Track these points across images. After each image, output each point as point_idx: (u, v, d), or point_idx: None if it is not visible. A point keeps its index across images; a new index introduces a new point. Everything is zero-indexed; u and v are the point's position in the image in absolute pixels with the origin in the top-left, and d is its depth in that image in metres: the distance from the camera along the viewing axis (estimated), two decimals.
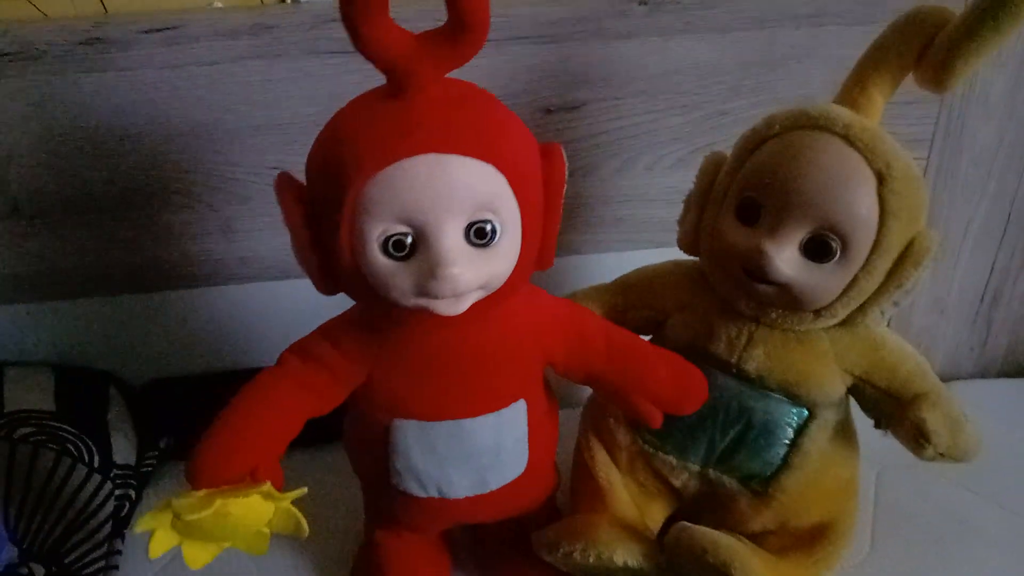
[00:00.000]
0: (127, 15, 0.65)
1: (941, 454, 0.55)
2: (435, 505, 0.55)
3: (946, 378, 0.57)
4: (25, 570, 0.59)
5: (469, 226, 0.43)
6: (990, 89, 0.75)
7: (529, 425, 0.55)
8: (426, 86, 0.43)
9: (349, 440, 0.59)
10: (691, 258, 0.60)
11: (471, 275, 0.44)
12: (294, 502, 0.48)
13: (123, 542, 0.67)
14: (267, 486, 0.47)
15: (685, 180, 0.60)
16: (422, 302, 0.44)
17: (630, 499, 0.63)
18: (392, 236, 0.42)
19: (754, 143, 0.53)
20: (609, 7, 0.67)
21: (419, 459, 0.53)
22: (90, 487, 0.66)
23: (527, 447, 0.55)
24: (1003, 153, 0.79)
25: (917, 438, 0.54)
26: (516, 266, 0.46)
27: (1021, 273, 0.88)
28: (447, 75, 0.44)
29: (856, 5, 0.70)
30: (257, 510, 0.47)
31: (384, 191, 0.41)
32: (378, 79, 0.44)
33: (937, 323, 0.90)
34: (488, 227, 0.44)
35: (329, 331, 0.52)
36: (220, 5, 0.66)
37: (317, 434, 0.53)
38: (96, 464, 0.68)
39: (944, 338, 0.92)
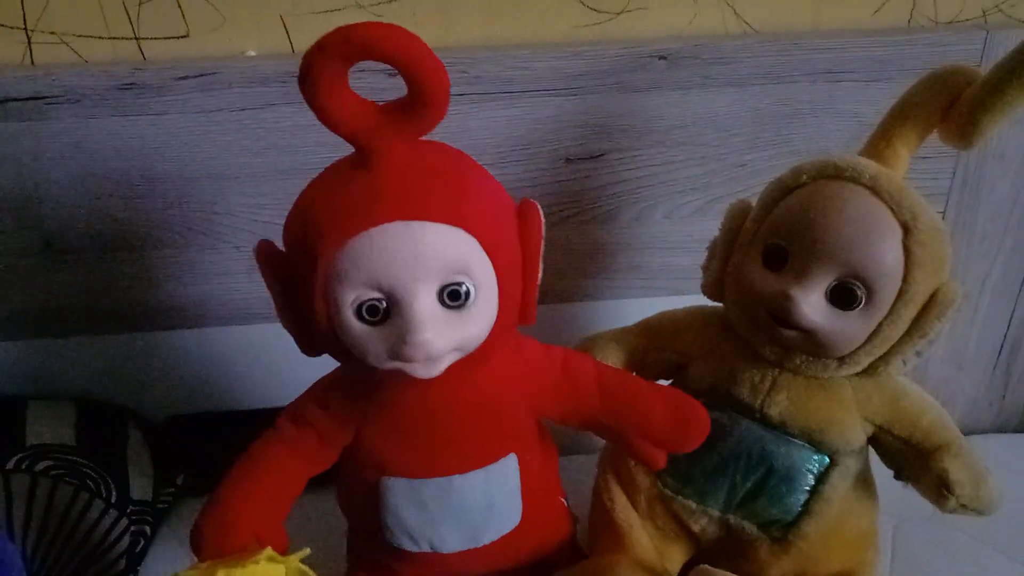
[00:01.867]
0: (164, 62, 0.67)
1: (963, 505, 0.54)
2: (427, 559, 0.55)
3: (964, 432, 0.57)
4: None
5: (442, 289, 0.44)
6: (1006, 144, 0.76)
7: (522, 478, 0.54)
8: (390, 154, 0.43)
9: (341, 495, 0.59)
10: (713, 304, 0.61)
11: (444, 339, 0.44)
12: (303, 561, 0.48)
13: None
14: (268, 552, 0.47)
15: (702, 229, 0.61)
16: (397, 365, 0.44)
17: (649, 542, 0.62)
18: (365, 302, 0.43)
19: (781, 192, 0.54)
20: (630, 61, 0.69)
21: (409, 516, 0.53)
22: (106, 522, 0.66)
23: (520, 500, 0.55)
24: (1019, 208, 0.80)
25: (940, 488, 0.54)
26: (495, 325, 0.47)
27: None
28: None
29: (871, 63, 0.71)
30: (267, 574, 0.47)
31: (354, 260, 0.42)
32: None
33: (955, 377, 0.90)
34: (462, 289, 0.44)
35: (316, 392, 0.53)
36: (253, 53, 0.68)
37: None
38: (113, 500, 0.68)
39: (962, 392, 0.91)
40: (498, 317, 0.47)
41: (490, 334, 0.47)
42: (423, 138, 0.45)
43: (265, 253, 0.47)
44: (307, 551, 0.49)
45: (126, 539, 0.67)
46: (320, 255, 0.43)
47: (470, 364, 0.47)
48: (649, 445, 0.56)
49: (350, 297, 0.43)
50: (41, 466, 0.66)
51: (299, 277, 0.45)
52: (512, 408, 0.54)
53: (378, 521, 0.54)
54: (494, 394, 0.52)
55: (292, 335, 0.49)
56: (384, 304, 0.43)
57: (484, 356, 0.48)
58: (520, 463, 0.54)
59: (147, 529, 0.70)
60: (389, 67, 0.40)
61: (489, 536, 0.55)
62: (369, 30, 0.40)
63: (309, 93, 0.41)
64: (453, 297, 0.44)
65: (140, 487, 0.72)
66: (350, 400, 0.52)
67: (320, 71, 0.40)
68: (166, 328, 0.76)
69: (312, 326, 0.46)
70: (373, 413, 0.52)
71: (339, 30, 0.40)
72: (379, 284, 0.42)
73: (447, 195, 0.44)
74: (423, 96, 0.41)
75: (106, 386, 0.78)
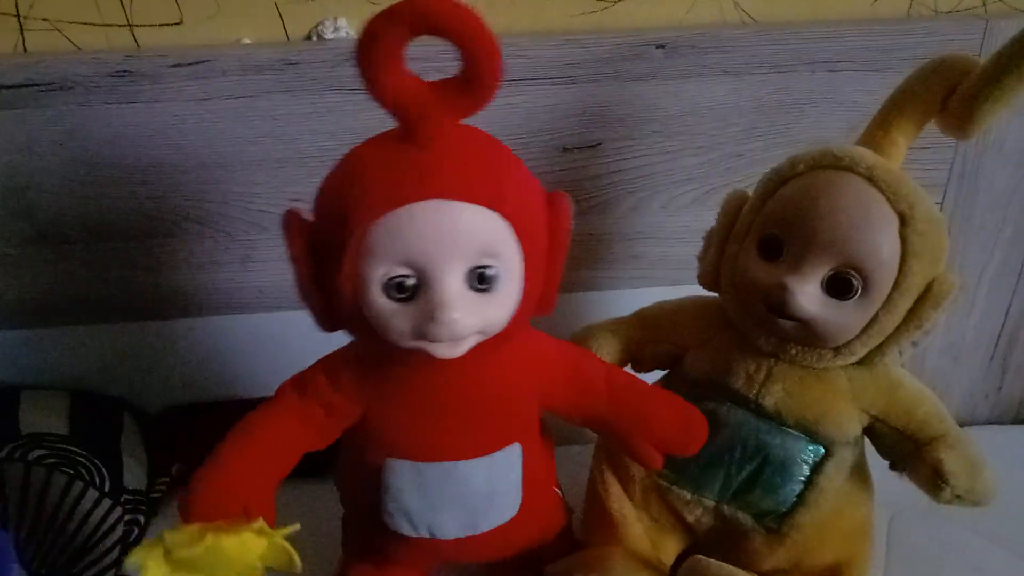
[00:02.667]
0: (158, 49, 0.66)
1: (958, 496, 0.54)
2: (424, 544, 0.55)
3: (961, 424, 0.57)
4: None
5: (471, 271, 0.44)
6: (1005, 135, 0.76)
7: (524, 468, 0.55)
8: (436, 133, 0.43)
9: (340, 477, 0.59)
10: (709, 294, 0.61)
11: (470, 320, 0.44)
12: (287, 537, 0.48)
13: None
14: (259, 523, 0.47)
15: (700, 219, 0.61)
16: (420, 344, 0.44)
17: (643, 532, 0.62)
18: (394, 278, 0.43)
19: (777, 182, 0.54)
20: (627, 50, 0.69)
21: (411, 499, 0.53)
22: (100, 511, 0.66)
23: (520, 490, 0.55)
24: (1018, 199, 0.80)
25: (935, 479, 0.54)
26: (516, 312, 0.47)
27: None
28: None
29: (870, 52, 0.71)
30: (249, 545, 0.47)
31: (389, 234, 0.42)
32: None
33: (951, 368, 0.90)
34: (490, 272, 0.44)
35: (328, 366, 0.52)
36: (248, 41, 0.68)
37: (299, 467, 0.53)
38: (107, 489, 0.67)
39: (958, 383, 0.91)
40: (520, 304, 0.47)
41: (509, 321, 0.47)
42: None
43: (293, 222, 0.46)
44: (296, 526, 0.48)
45: (120, 528, 0.67)
46: (354, 227, 0.42)
47: (485, 350, 0.47)
48: (649, 447, 0.56)
49: (380, 271, 0.43)
50: (35, 455, 0.65)
51: (326, 249, 0.45)
52: (521, 398, 0.54)
53: (378, 503, 0.53)
54: (505, 382, 0.52)
55: (311, 309, 0.48)
56: (412, 282, 0.43)
57: (500, 343, 0.48)
58: (523, 453, 0.54)
59: (141, 519, 0.70)
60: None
61: (488, 524, 0.55)
62: (437, 3, 0.39)
63: (367, 62, 0.41)
64: (481, 280, 0.44)
65: (134, 476, 0.72)
66: (361, 378, 0.51)
67: (384, 41, 0.40)
68: (160, 318, 0.76)
69: (334, 300, 0.46)
70: (383, 393, 0.51)
71: (401, 2, 0.39)
72: (411, 260, 0.43)
73: (487, 178, 0.44)
74: (479, 75, 0.41)
75: (100, 376, 0.78)
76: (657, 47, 0.69)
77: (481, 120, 0.69)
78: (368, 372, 0.51)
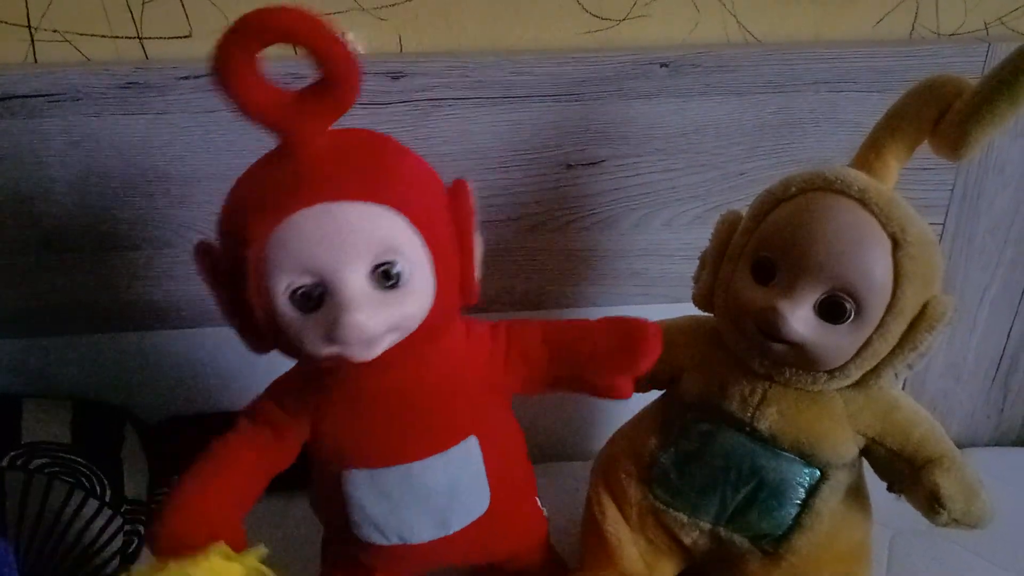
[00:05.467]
0: (166, 61, 0.67)
1: (955, 520, 0.54)
2: (400, 552, 0.55)
3: (962, 445, 0.57)
4: None
5: (373, 270, 0.44)
6: (1006, 158, 0.76)
7: (486, 461, 0.54)
8: (308, 138, 0.44)
9: (311, 494, 0.59)
10: (706, 314, 0.61)
11: (378, 320, 0.44)
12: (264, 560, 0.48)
13: None
14: (221, 547, 0.47)
15: (702, 237, 0.61)
16: (335, 350, 0.44)
17: (639, 556, 0.62)
18: (298, 289, 0.43)
19: (770, 204, 0.54)
20: (631, 68, 0.69)
21: (374, 507, 0.53)
22: (100, 521, 0.66)
23: (487, 483, 0.55)
24: (1019, 221, 0.80)
25: (931, 503, 0.54)
26: (435, 304, 0.47)
27: None
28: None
29: (872, 73, 0.71)
30: (221, 572, 0.47)
31: (282, 247, 0.42)
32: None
33: (953, 389, 0.90)
34: (393, 269, 0.44)
35: (274, 388, 0.54)
36: None
37: (277, 482, 0.54)
38: (108, 499, 0.68)
39: (960, 405, 0.91)
40: (437, 296, 0.47)
41: (431, 314, 0.47)
42: (345, 126, 0.46)
43: (201, 252, 0.47)
44: (264, 550, 0.48)
45: (119, 539, 0.67)
46: (250, 244, 0.43)
47: (417, 347, 0.47)
48: (606, 375, 0.55)
49: (283, 284, 0.43)
50: (36, 463, 0.66)
51: (235, 270, 0.45)
52: (468, 389, 0.53)
53: (345, 516, 0.54)
54: (447, 376, 0.52)
55: (239, 333, 0.49)
56: (319, 289, 0.43)
57: (430, 337, 0.48)
58: (483, 445, 0.54)
59: (141, 529, 0.70)
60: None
61: (458, 521, 0.55)
62: (280, 13, 0.40)
63: (223, 79, 0.41)
64: (385, 277, 0.44)
65: (135, 486, 0.72)
66: (304, 393, 0.52)
67: (235, 56, 0.40)
68: (163, 328, 0.77)
69: (255, 322, 0.46)
70: (326, 405, 0.52)
71: (251, 14, 0.40)
72: (309, 268, 0.43)
73: (368, 174, 0.44)
74: (334, 79, 0.42)
75: (102, 386, 0.78)
76: (661, 66, 0.69)
77: (484, 135, 0.70)
78: (309, 387, 0.52)
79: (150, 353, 0.78)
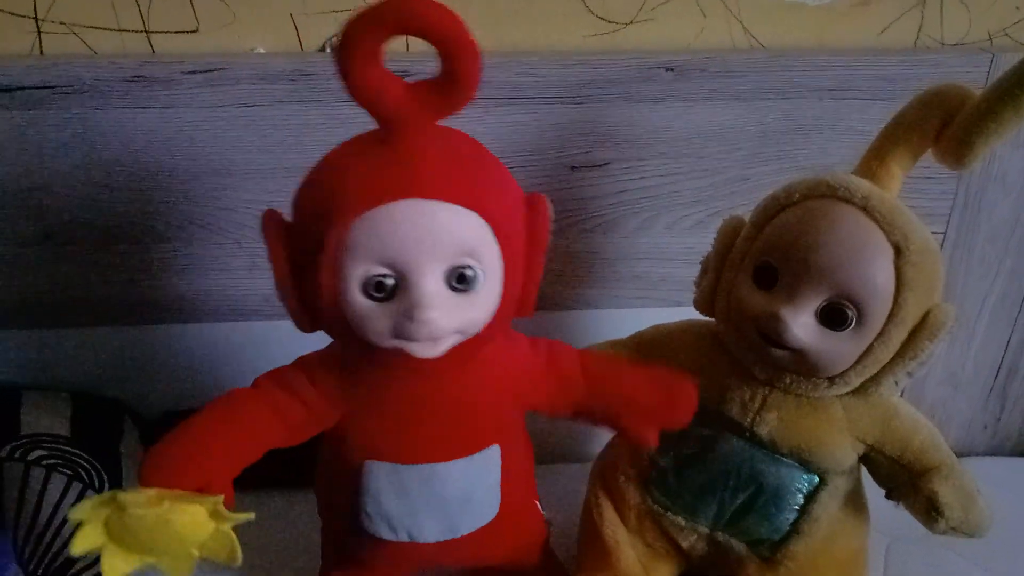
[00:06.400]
0: (173, 55, 0.67)
1: (953, 528, 0.54)
2: (404, 549, 0.55)
3: (959, 454, 0.57)
4: None
5: (450, 271, 0.44)
6: (1008, 167, 0.76)
7: (503, 470, 0.54)
8: (416, 133, 0.44)
9: (320, 481, 0.59)
10: (707, 319, 0.61)
11: (448, 320, 0.44)
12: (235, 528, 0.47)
13: None
14: (218, 499, 0.46)
15: (704, 241, 0.61)
16: (399, 344, 0.44)
17: (636, 559, 0.62)
18: (373, 278, 0.43)
19: (773, 210, 0.54)
20: (637, 72, 0.69)
21: (390, 502, 0.53)
22: None
23: (499, 493, 0.55)
24: (1020, 231, 0.80)
25: (929, 511, 0.54)
26: (495, 313, 0.47)
27: None
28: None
29: (877, 81, 0.71)
30: (198, 526, 0.46)
31: (368, 233, 0.42)
32: None
33: (951, 397, 0.90)
34: (469, 273, 0.44)
35: (307, 365, 0.52)
36: (262, 51, 0.69)
37: (278, 476, 0.53)
38: (106, 491, 0.68)
39: (958, 413, 0.91)
40: (500, 305, 0.47)
41: (489, 322, 0.47)
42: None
43: (271, 222, 0.46)
44: (251, 515, 0.46)
45: None
46: (333, 226, 0.43)
47: (465, 352, 0.47)
48: (639, 424, 0.55)
49: (359, 271, 0.43)
50: (34, 455, 0.66)
51: (304, 249, 0.45)
52: (501, 400, 0.54)
53: (357, 507, 0.53)
54: (485, 384, 0.52)
55: (289, 309, 0.48)
56: (392, 281, 0.43)
57: (480, 345, 0.48)
58: (503, 455, 0.54)
59: None
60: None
61: (467, 527, 0.54)
62: (417, 3, 0.40)
63: (345, 61, 0.41)
64: (460, 280, 0.44)
65: (133, 480, 0.71)
66: (340, 379, 0.51)
67: (363, 40, 0.40)
68: (164, 323, 0.77)
69: (313, 301, 0.46)
70: (362, 395, 0.51)
71: (381, 3, 0.40)
72: (390, 259, 0.43)
73: (466, 178, 0.44)
74: (457, 75, 0.41)
75: (102, 379, 0.78)
76: (667, 70, 0.69)
77: (488, 136, 0.70)
78: (347, 374, 0.51)
79: (151, 348, 0.78)
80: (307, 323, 0.49)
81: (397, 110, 0.43)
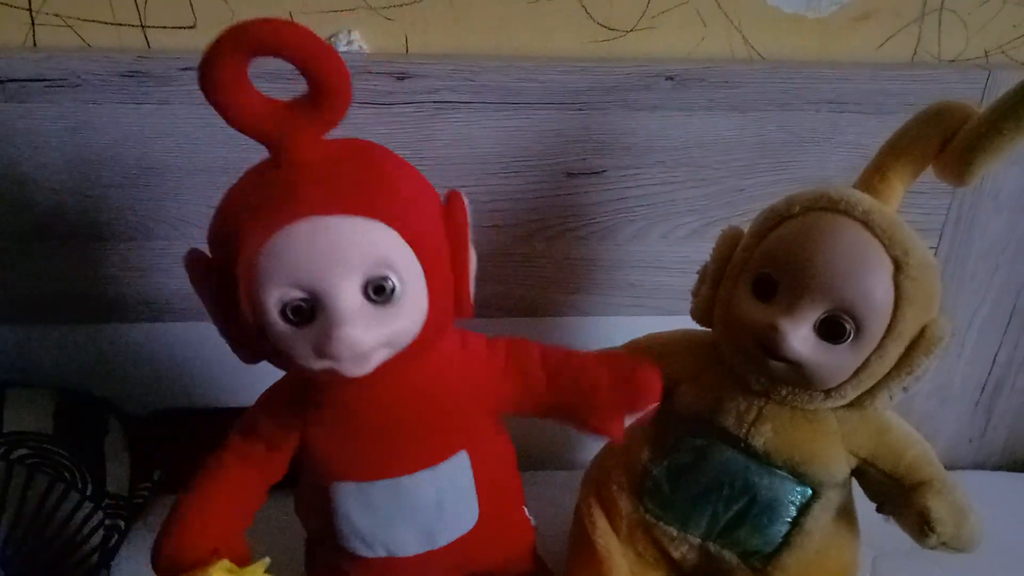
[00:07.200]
0: (169, 51, 0.67)
1: (944, 543, 0.54)
2: (384, 564, 0.54)
3: (944, 467, 0.57)
4: None
5: (366, 284, 0.43)
6: (1001, 184, 0.77)
7: (476, 476, 0.54)
8: (300, 150, 0.43)
9: (298, 503, 0.59)
10: (703, 328, 0.61)
11: (371, 334, 0.43)
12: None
13: (108, 574, 0.66)
14: (225, 563, 0.47)
15: (699, 251, 0.61)
16: (326, 364, 0.44)
17: (628, 568, 0.62)
18: (289, 302, 0.42)
19: (774, 221, 0.54)
20: (636, 80, 0.69)
21: (361, 520, 0.52)
22: (81, 515, 0.65)
23: (476, 499, 0.54)
24: (1011, 247, 0.81)
25: (921, 526, 0.54)
26: (428, 319, 0.46)
27: (1023, 366, 0.88)
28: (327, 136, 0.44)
29: (874, 95, 0.72)
30: None
31: (273, 259, 0.42)
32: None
33: (938, 411, 0.91)
34: (387, 284, 0.43)
35: (262, 401, 0.53)
36: None
37: None
38: (89, 492, 0.67)
39: (945, 427, 0.92)
40: (430, 311, 0.46)
41: (424, 328, 0.46)
42: (339, 137, 0.45)
43: (193, 261, 0.46)
44: (267, 560, 0.48)
45: (100, 533, 0.66)
46: (240, 257, 0.42)
47: (409, 361, 0.47)
48: (604, 415, 0.54)
49: (274, 297, 0.42)
50: (17, 454, 0.65)
51: (227, 282, 0.44)
52: (460, 404, 0.53)
53: (332, 527, 0.53)
54: (439, 390, 0.52)
55: (229, 344, 0.48)
56: (309, 304, 0.43)
57: (422, 352, 0.47)
58: (472, 461, 0.53)
59: (121, 523, 0.69)
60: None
61: (446, 537, 0.54)
62: (265, 25, 0.40)
63: (210, 90, 0.41)
64: (378, 291, 0.43)
65: (116, 480, 0.71)
66: (293, 405, 0.51)
67: (221, 67, 0.40)
68: (152, 320, 0.76)
69: (247, 333, 0.45)
70: (316, 417, 0.51)
71: (236, 26, 0.40)
72: (301, 282, 0.42)
73: (362, 188, 0.43)
74: (324, 88, 0.41)
75: (87, 377, 0.77)
76: (666, 79, 0.69)
77: (486, 141, 0.70)
78: (300, 399, 0.51)
79: (137, 346, 0.77)
80: (248, 356, 0.48)
81: (276, 130, 0.42)
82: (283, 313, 0.43)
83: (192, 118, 0.67)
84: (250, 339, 0.45)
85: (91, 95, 0.65)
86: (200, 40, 0.67)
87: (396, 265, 0.43)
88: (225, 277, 0.44)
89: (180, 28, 0.67)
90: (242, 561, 0.49)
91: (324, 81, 0.41)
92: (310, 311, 0.43)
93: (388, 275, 0.43)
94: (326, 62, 0.41)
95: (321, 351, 0.43)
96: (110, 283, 0.74)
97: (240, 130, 0.42)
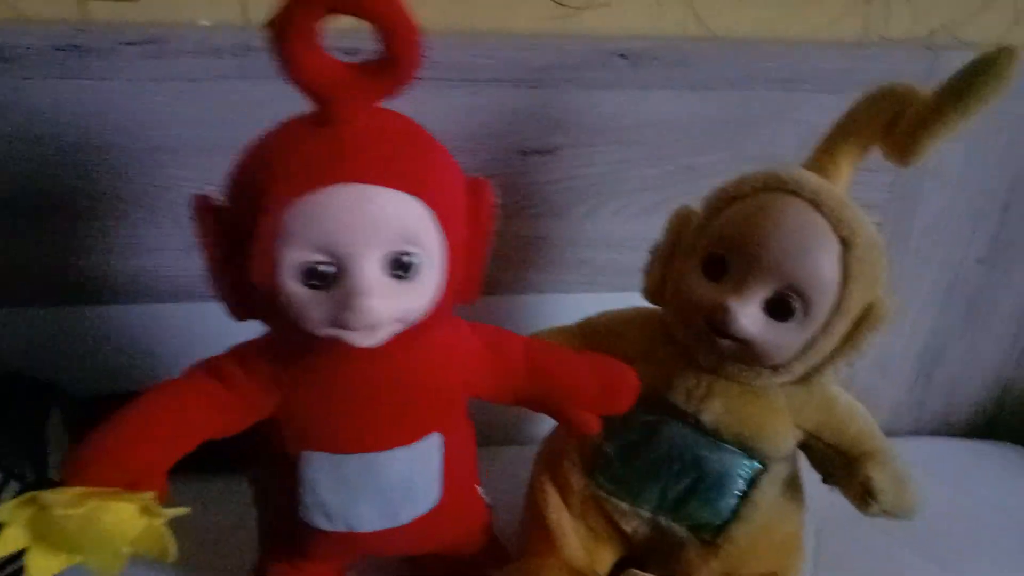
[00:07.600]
0: (110, 24, 0.64)
1: (885, 511, 0.57)
2: (343, 538, 0.54)
3: (885, 434, 0.60)
4: None
5: (390, 258, 0.43)
6: (942, 161, 0.79)
7: (445, 458, 0.54)
8: (355, 116, 0.43)
9: (257, 471, 0.58)
10: (653, 306, 0.61)
11: (388, 308, 0.43)
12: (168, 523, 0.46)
13: None
14: (150, 496, 0.45)
15: (650, 228, 0.61)
16: (336, 332, 0.43)
17: (580, 543, 0.63)
18: (311, 265, 0.42)
19: (724, 201, 0.55)
20: (592, 58, 0.69)
21: (328, 492, 0.52)
22: None
23: (441, 480, 0.55)
24: (952, 223, 0.83)
25: (864, 496, 0.56)
26: (437, 301, 0.46)
27: (960, 338, 0.92)
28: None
29: (828, 74, 0.73)
30: (128, 523, 0.45)
31: (305, 219, 0.41)
32: None
33: (879, 382, 0.93)
34: (409, 260, 0.43)
35: (240, 355, 0.51)
36: (206, 23, 0.66)
37: (209, 462, 0.51)
38: (31, 480, 0.65)
39: (886, 396, 0.95)
40: (441, 293, 0.46)
41: (430, 309, 0.46)
42: (385, 106, 0.44)
43: (202, 206, 0.45)
44: (187, 510, 0.45)
45: None
46: (267, 211, 0.41)
47: (406, 340, 0.47)
48: (580, 411, 0.56)
49: (295, 258, 0.42)
50: None
51: (238, 233, 0.43)
52: (441, 387, 0.53)
53: (295, 497, 0.52)
54: (426, 372, 0.52)
55: (221, 297, 0.47)
56: (330, 269, 0.42)
57: (421, 332, 0.47)
58: (445, 443, 0.54)
59: None
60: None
61: (407, 515, 0.54)
62: None
63: (281, 42, 0.40)
64: (400, 267, 0.43)
65: (59, 468, 0.69)
66: (275, 368, 0.50)
67: (299, 19, 0.39)
68: (96, 303, 0.74)
69: (246, 288, 0.44)
70: (298, 384, 0.50)
71: None
72: (328, 246, 0.41)
73: (407, 163, 0.43)
74: (396, 56, 0.41)
75: (29, 360, 0.74)
76: (621, 57, 0.69)
77: (439, 117, 0.68)
78: (283, 362, 0.50)
79: (81, 328, 0.75)
80: (240, 311, 0.48)
81: (335, 92, 0.42)
82: (300, 274, 0.42)
83: (135, 94, 0.65)
84: (246, 294, 0.44)
85: (27, 70, 0.63)
86: (142, 13, 0.65)
87: (423, 243, 0.43)
88: (237, 225, 0.43)
89: (121, 0, 0.64)
90: (160, 501, 0.46)
91: (399, 45, 0.40)
92: (328, 276, 0.42)
93: (413, 251, 0.43)
94: (403, 26, 0.40)
95: (337, 319, 0.43)
96: (53, 265, 0.71)
97: (299, 86, 0.41)
